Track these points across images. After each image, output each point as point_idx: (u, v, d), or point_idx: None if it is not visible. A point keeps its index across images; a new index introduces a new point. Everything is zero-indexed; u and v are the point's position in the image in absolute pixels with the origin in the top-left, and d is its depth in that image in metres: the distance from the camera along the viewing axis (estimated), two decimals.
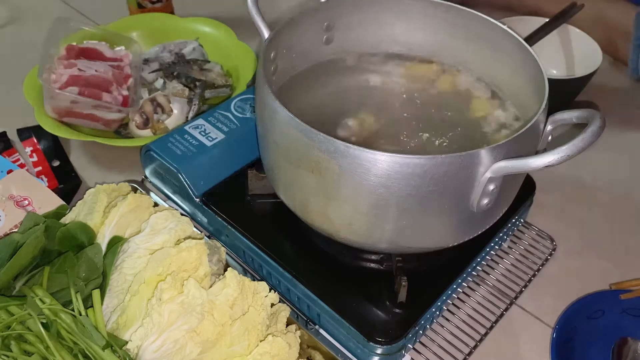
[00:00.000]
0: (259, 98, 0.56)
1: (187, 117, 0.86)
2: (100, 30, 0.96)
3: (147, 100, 0.85)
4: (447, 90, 0.67)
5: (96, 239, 0.57)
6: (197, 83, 0.90)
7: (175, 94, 0.88)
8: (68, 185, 0.81)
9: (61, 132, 0.81)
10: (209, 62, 0.96)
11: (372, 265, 0.62)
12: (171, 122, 0.84)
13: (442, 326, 0.65)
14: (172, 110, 0.85)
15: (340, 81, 0.68)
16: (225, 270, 0.55)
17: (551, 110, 0.55)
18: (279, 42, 0.61)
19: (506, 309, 0.68)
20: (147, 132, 0.84)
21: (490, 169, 0.49)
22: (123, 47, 0.93)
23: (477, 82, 0.68)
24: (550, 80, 0.55)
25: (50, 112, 0.83)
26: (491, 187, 0.50)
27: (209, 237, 0.67)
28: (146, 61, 0.94)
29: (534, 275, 0.71)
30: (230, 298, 0.52)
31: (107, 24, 1.01)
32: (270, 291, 0.55)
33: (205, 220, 0.68)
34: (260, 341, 0.53)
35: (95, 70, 0.86)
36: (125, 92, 0.86)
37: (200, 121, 0.71)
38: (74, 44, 0.90)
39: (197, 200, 0.67)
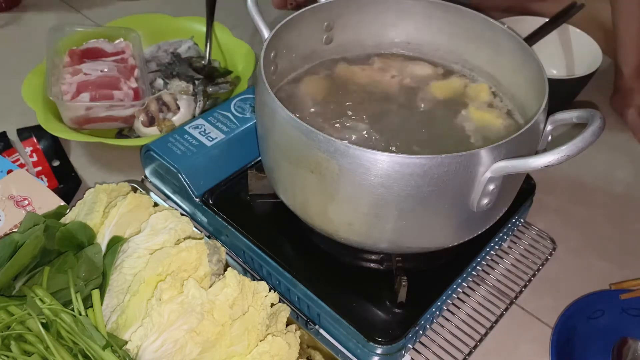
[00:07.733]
0: (259, 98, 0.56)
1: (193, 114, 0.87)
2: (95, 29, 0.96)
3: (152, 99, 0.85)
4: (446, 91, 0.67)
5: (96, 239, 0.57)
6: (197, 81, 0.90)
7: (181, 92, 0.88)
8: (68, 185, 0.81)
9: (61, 133, 0.81)
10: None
11: (372, 265, 0.62)
12: (178, 120, 0.85)
13: (442, 326, 0.65)
14: (178, 108, 0.85)
15: (340, 81, 0.68)
16: (225, 270, 0.55)
17: (551, 110, 0.55)
18: (279, 42, 0.61)
19: (506, 309, 0.68)
20: (153, 130, 0.84)
21: (490, 168, 0.49)
22: (122, 39, 0.93)
23: (477, 82, 0.68)
24: (550, 80, 0.55)
25: (70, 124, 0.84)
26: (491, 187, 0.50)
27: (209, 237, 0.67)
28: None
29: (534, 275, 0.71)
30: (230, 298, 0.52)
31: (105, 24, 1.01)
32: (270, 291, 0.55)
33: (205, 220, 0.68)
34: (260, 341, 0.53)
35: (101, 71, 0.87)
36: (134, 84, 0.87)
37: (200, 121, 0.71)
38: (75, 47, 0.90)
39: (197, 200, 0.67)
